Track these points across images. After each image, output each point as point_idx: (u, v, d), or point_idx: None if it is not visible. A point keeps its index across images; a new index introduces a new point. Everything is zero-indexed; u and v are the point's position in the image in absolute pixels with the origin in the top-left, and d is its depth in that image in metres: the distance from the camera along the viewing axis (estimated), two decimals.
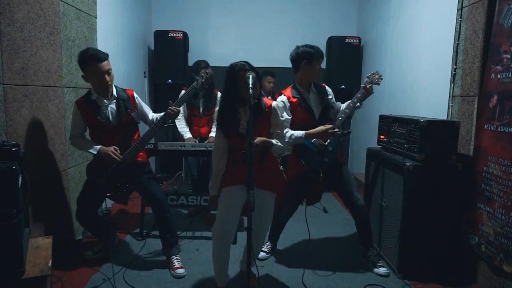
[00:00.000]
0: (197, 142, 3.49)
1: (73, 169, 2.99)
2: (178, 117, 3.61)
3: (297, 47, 2.66)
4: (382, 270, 2.62)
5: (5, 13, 2.11)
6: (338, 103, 2.82)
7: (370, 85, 2.60)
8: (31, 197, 2.30)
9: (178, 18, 5.26)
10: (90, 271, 2.56)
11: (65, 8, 2.80)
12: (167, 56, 4.78)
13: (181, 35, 4.79)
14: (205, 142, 3.42)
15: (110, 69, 2.48)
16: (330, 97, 2.74)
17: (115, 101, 2.56)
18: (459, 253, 2.59)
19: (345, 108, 2.69)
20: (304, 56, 2.59)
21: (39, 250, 1.98)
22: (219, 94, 3.55)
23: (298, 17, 5.34)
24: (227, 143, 2.25)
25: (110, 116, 2.54)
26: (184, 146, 3.22)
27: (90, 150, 2.50)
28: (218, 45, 5.30)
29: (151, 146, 3.11)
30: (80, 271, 2.56)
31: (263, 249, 2.88)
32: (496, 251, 2.25)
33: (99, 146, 2.49)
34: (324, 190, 3.09)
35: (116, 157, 2.46)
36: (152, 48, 5.04)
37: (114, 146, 2.48)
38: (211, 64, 3.66)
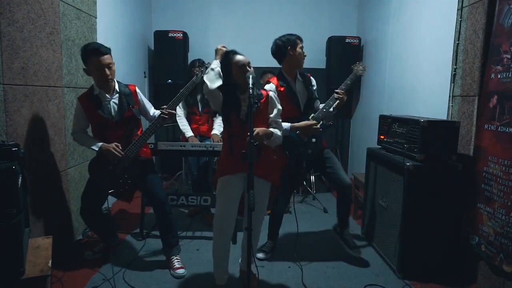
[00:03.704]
0: (198, 141, 3.49)
1: (73, 169, 2.99)
2: (179, 114, 3.62)
3: (275, 39, 2.70)
4: (356, 252, 2.74)
5: (5, 13, 2.11)
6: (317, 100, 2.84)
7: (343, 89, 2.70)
8: (31, 197, 2.31)
9: (178, 18, 5.25)
10: (90, 271, 2.56)
11: (65, 8, 2.80)
12: (167, 56, 4.78)
13: (181, 35, 4.79)
14: (207, 142, 3.42)
15: (111, 63, 2.46)
16: (314, 88, 2.78)
17: (117, 95, 2.54)
18: (459, 253, 2.59)
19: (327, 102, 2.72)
20: (289, 43, 2.62)
21: (39, 250, 1.98)
22: None
23: (298, 17, 5.34)
24: None
25: (112, 111, 2.52)
26: (184, 146, 3.21)
27: (92, 147, 2.49)
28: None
29: (151, 146, 3.09)
30: (80, 271, 2.56)
31: (263, 249, 2.89)
32: (496, 251, 2.25)
33: (101, 143, 2.47)
34: (306, 177, 3.48)
35: (117, 153, 2.44)
36: (152, 48, 5.04)
37: (116, 143, 2.46)
38: None
